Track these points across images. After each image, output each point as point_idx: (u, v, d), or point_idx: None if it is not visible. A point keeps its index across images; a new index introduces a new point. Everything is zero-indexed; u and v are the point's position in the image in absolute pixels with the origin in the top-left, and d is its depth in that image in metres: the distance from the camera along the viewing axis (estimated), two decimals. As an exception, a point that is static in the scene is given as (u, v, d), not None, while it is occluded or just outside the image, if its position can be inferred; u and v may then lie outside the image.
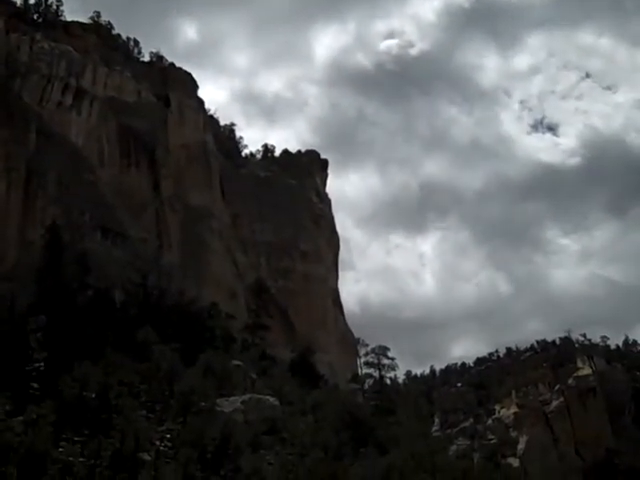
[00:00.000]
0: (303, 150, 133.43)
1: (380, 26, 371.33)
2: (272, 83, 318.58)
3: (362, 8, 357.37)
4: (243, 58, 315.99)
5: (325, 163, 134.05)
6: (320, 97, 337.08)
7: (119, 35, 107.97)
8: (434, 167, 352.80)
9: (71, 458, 38.10)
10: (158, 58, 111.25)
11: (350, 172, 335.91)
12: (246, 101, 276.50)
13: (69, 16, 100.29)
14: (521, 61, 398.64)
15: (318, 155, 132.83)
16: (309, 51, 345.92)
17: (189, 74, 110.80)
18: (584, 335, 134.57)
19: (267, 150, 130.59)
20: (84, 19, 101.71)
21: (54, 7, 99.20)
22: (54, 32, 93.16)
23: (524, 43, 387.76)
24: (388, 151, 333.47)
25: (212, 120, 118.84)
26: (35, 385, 48.91)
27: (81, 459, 38.36)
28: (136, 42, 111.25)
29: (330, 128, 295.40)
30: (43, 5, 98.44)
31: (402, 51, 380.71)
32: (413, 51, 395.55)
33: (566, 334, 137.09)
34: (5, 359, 49.15)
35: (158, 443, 45.15)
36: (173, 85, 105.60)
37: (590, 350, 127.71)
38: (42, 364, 51.31)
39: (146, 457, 41.23)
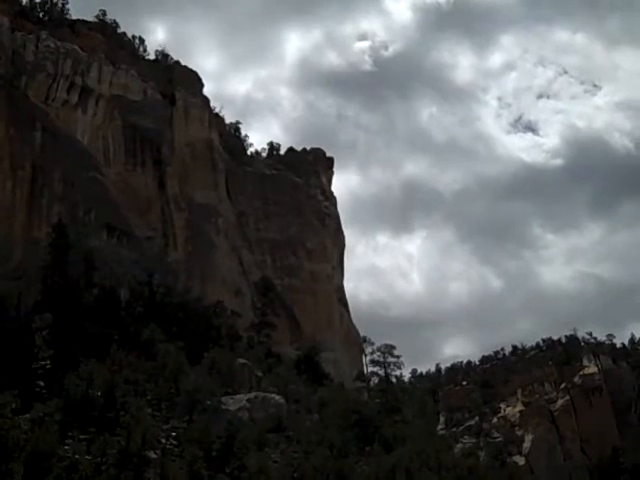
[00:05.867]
0: (308, 148, 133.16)
1: (352, 28, 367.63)
2: (243, 85, 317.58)
3: (333, 11, 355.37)
4: (213, 60, 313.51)
5: (331, 161, 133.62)
6: (294, 99, 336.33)
7: (124, 34, 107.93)
8: (415, 167, 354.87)
9: (77, 456, 38.22)
10: (163, 56, 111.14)
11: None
12: (218, 104, 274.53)
13: (75, 15, 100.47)
14: (496, 59, 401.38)
15: (324, 153, 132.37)
16: (280, 53, 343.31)
17: (195, 72, 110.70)
18: (590, 333, 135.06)
19: (272, 148, 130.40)
20: (90, 18, 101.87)
21: (60, 6, 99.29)
22: (60, 31, 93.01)
23: (498, 41, 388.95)
24: (368, 152, 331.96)
25: (217, 118, 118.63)
26: (41, 383, 49.15)
27: (87, 457, 38.50)
28: (141, 40, 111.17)
29: (305, 129, 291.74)
30: (49, 4, 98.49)
31: (376, 53, 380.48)
32: (387, 52, 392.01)
33: (572, 332, 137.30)
34: (11, 357, 49.29)
35: (164, 441, 45.32)
36: (179, 83, 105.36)
37: (596, 349, 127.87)
38: (48, 362, 51.52)
39: (152, 455, 41.34)
